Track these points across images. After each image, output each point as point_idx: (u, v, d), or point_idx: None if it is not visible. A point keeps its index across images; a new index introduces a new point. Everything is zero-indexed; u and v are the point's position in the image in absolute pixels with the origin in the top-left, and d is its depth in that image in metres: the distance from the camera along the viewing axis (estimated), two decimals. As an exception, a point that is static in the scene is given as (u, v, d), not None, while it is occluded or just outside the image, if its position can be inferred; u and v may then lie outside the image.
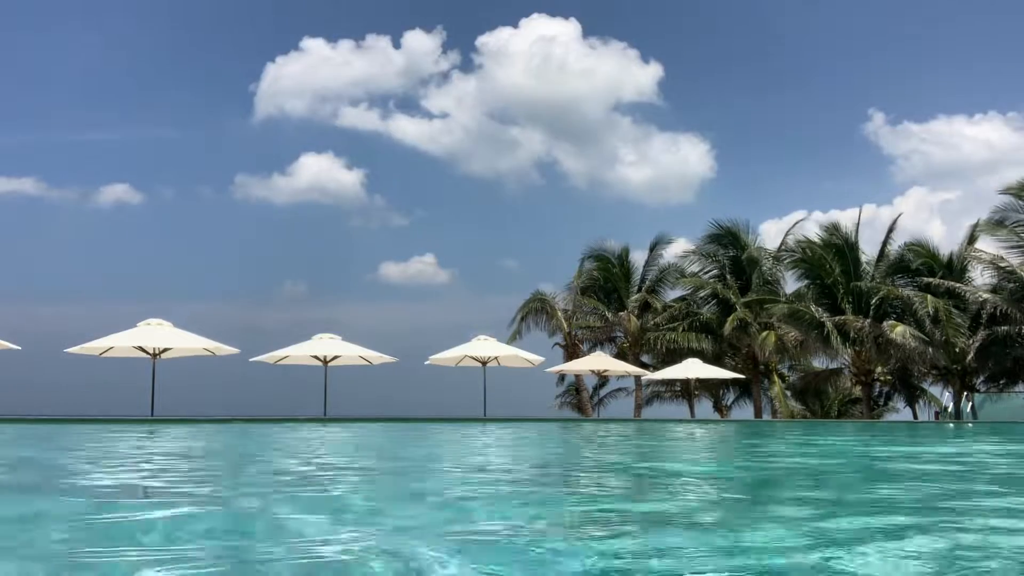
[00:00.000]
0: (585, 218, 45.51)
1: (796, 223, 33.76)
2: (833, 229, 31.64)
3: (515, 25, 41.67)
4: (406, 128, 42.01)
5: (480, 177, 44.17)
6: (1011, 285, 28.55)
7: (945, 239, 38.06)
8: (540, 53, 41.02)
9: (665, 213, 45.22)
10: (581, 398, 36.40)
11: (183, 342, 22.17)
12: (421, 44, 41.34)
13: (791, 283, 33.65)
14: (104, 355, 23.03)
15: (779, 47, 46.17)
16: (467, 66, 41.73)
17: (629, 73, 41.65)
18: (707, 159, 42.47)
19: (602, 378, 34.22)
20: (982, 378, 30.71)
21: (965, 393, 28.25)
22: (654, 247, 35.66)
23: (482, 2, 50.39)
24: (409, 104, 42.17)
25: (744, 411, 36.00)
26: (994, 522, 3.20)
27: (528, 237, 46.72)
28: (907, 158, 42.00)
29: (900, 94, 44.80)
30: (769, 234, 43.36)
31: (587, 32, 41.59)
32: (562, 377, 36.40)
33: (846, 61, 46.45)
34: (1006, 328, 27.68)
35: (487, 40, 41.56)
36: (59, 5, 41.12)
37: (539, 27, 41.25)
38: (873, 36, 45.93)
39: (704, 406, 36.76)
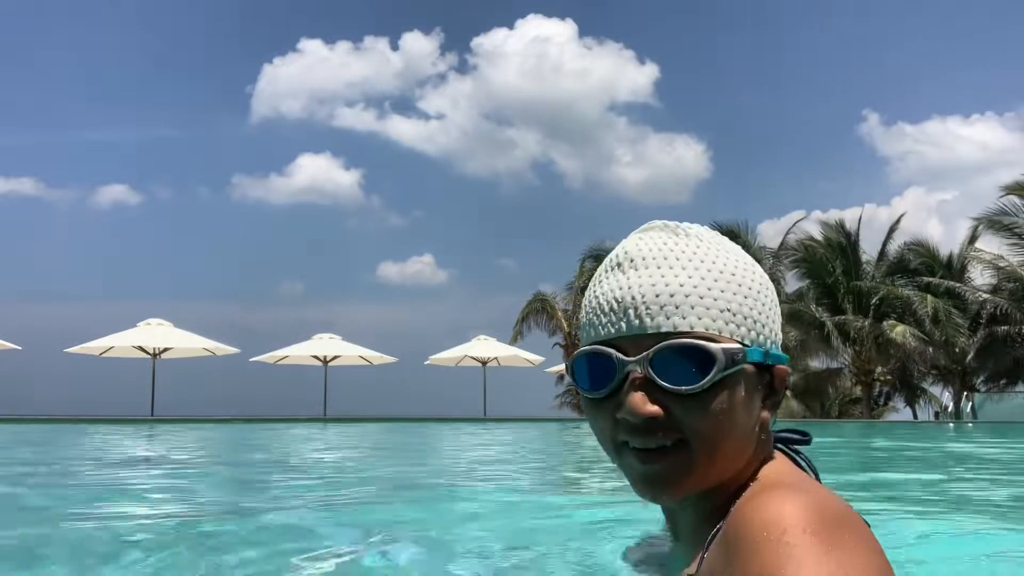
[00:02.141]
0: (582, 218, 45.64)
1: (796, 222, 33.79)
2: (834, 228, 31.63)
3: (512, 26, 41.75)
4: (403, 129, 42.08)
5: (477, 177, 44.23)
6: (1011, 285, 28.54)
7: (943, 239, 38.14)
8: (536, 54, 41.08)
9: (661, 214, 44.45)
10: (581, 398, 36.37)
11: (183, 342, 22.19)
12: (419, 46, 41.38)
13: (791, 283, 33.67)
14: (104, 355, 23.04)
15: (774, 48, 46.28)
16: (464, 67, 41.79)
17: (625, 73, 41.72)
18: (703, 160, 42.56)
19: (602, 378, 34.19)
20: (982, 378, 30.70)
21: (965, 393, 28.24)
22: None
23: (480, 3, 50.42)
24: (406, 105, 42.26)
25: (744, 411, 35.97)
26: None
27: (525, 237, 46.84)
28: (902, 159, 42.11)
29: (894, 95, 44.96)
30: (767, 235, 43.32)
31: (583, 32, 41.65)
32: (562, 377, 36.39)
33: (841, 62, 46.57)
34: (1006, 328, 27.67)
35: (484, 41, 41.61)
36: (58, 6, 41.18)
37: (535, 28, 41.30)
38: (867, 37, 46.04)
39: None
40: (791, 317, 30.32)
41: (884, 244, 31.50)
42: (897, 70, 45.39)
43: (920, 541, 2.29)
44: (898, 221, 31.69)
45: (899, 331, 27.92)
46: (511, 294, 43.24)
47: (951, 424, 22.39)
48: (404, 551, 1.99)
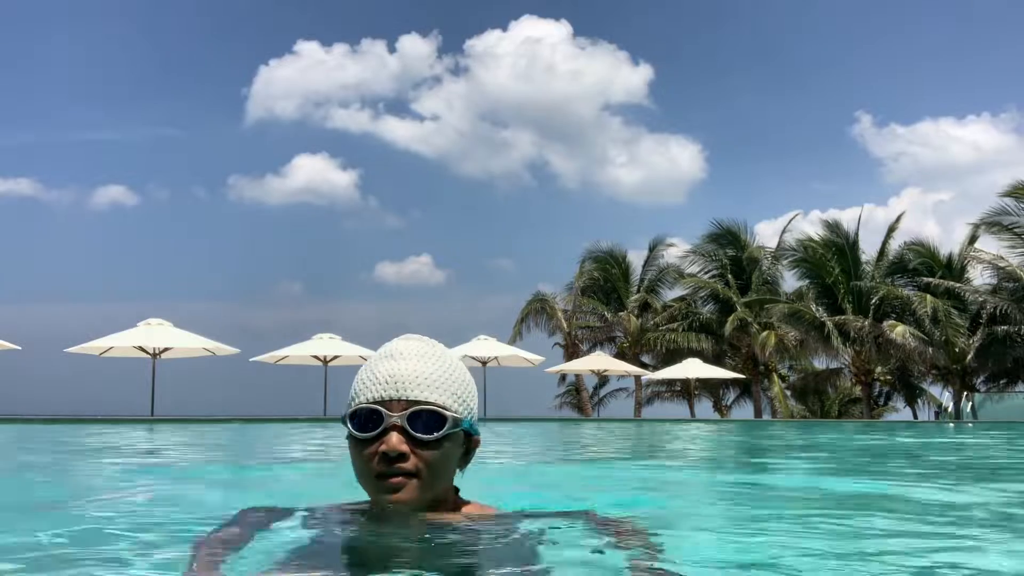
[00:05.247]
0: (578, 219, 45.65)
1: (791, 219, 33.77)
2: (833, 228, 31.63)
3: (505, 27, 41.72)
4: (400, 130, 42.06)
5: (473, 178, 44.24)
6: (1011, 285, 28.55)
7: (940, 239, 38.13)
8: (530, 55, 41.05)
9: (658, 214, 45.45)
10: (581, 398, 36.41)
11: (183, 342, 22.17)
12: (417, 48, 41.34)
13: (790, 282, 33.67)
14: (104, 355, 23.03)
15: (768, 49, 46.29)
16: (459, 68, 41.77)
17: (619, 74, 41.69)
18: (698, 160, 42.54)
19: (602, 378, 34.23)
20: (982, 378, 30.70)
21: (965, 393, 28.24)
22: (653, 247, 35.65)
23: (476, 5, 50.45)
24: (403, 106, 42.22)
25: (744, 411, 36.04)
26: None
27: (522, 237, 46.87)
28: (896, 160, 42.15)
29: (887, 97, 45.08)
30: (764, 235, 43.45)
31: (577, 33, 41.61)
32: (562, 377, 36.42)
33: (834, 63, 46.61)
34: (1006, 328, 27.68)
35: (481, 42, 41.57)
36: (56, 7, 41.17)
37: (529, 29, 41.25)
38: (861, 39, 46.08)
39: (704, 406, 36.81)
40: (791, 317, 30.32)
41: (884, 244, 31.51)
42: (889, 72, 45.51)
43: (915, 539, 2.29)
44: (897, 221, 31.70)
45: (899, 331, 27.92)
46: (509, 294, 43.27)
47: (951, 424, 22.39)
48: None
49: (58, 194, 40.58)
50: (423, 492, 1.73)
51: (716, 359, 32.05)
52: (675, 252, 35.68)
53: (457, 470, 1.85)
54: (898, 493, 4.00)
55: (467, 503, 1.90)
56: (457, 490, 1.90)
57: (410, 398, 1.74)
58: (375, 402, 1.74)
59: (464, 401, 1.81)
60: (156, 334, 21.99)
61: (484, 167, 44.55)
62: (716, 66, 47.29)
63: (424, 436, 1.72)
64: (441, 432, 1.73)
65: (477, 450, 1.88)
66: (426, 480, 1.73)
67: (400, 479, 1.71)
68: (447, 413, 1.74)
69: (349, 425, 1.76)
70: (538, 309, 35.60)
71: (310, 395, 25.05)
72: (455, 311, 43.35)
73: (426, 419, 1.73)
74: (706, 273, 34.72)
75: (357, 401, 1.78)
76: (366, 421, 1.74)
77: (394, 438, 1.70)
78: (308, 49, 41.23)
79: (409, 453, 1.71)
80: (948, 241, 39.69)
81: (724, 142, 45.49)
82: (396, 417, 1.72)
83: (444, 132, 42.37)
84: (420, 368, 1.78)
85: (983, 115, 41.65)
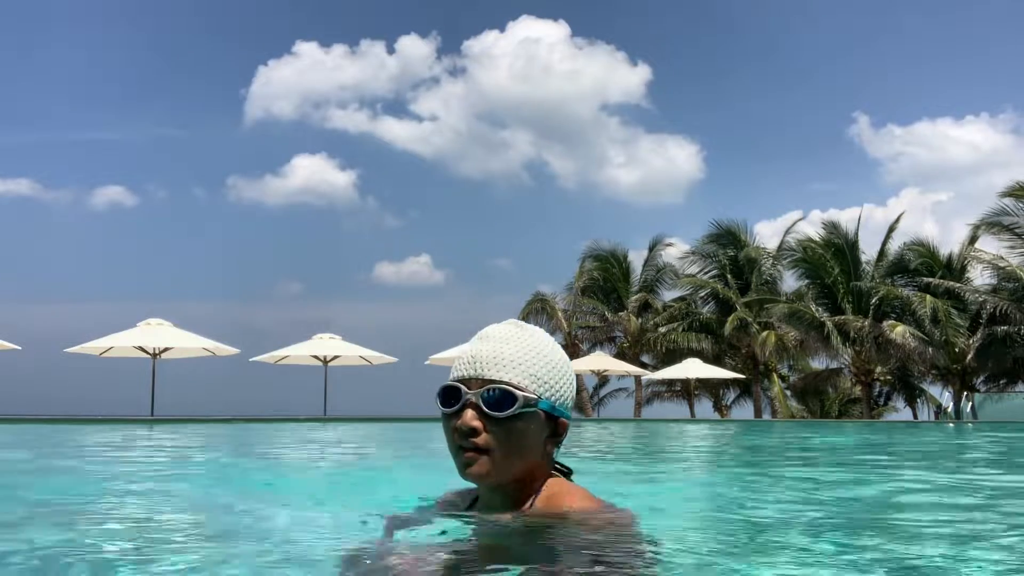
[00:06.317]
0: (577, 219, 45.63)
1: (795, 222, 33.77)
2: (833, 228, 31.62)
3: (503, 27, 41.73)
4: (398, 130, 42.06)
5: (471, 178, 44.24)
6: (1011, 285, 28.53)
7: (938, 239, 38.14)
8: (528, 55, 41.04)
9: (656, 214, 45.41)
10: (581, 398, 36.38)
11: (183, 342, 22.16)
12: (416, 49, 41.33)
13: (789, 282, 33.66)
14: (104, 355, 23.02)
15: (766, 50, 46.26)
16: (459, 69, 41.76)
17: (617, 75, 41.69)
18: (696, 161, 42.52)
19: (602, 378, 34.21)
20: (982, 378, 30.69)
21: (965, 393, 28.21)
22: (653, 247, 35.63)
23: (475, 6, 50.45)
24: (401, 107, 42.21)
25: (744, 411, 36.03)
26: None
27: (521, 237, 46.88)
28: (894, 160, 42.14)
29: (884, 98, 45.08)
30: (763, 235, 43.35)
31: (575, 34, 41.60)
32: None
33: (832, 64, 46.61)
34: (1006, 328, 27.66)
35: (479, 43, 41.57)
36: (56, 8, 41.15)
37: (528, 29, 41.24)
38: (859, 39, 46.04)
39: (704, 406, 36.80)
40: (791, 317, 30.31)
41: (883, 244, 31.49)
42: (887, 72, 45.49)
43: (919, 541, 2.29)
44: (897, 221, 31.68)
45: (899, 331, 27.90)
46: (508, 294, 43.27)
47: (951, 424, 22.38)
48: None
49: (58, 194, 40.58)
50: (496, 468, 1.82)
51: (716, 359, 32.04)
52: (675, 252, 35.69)
53: (550, 452, 1.91)
54: (897, 492, 4.01)
55: (565, 485, 1.91)
56: (551, 472, 1.94)
57: (486, 377, 1.85)
58: (457, 380, 1.88)
59: (546, 383, 1.88)
60: (156, 334, 21.99)
61: (482, 167, 44.57)
62: (714, 67, 47.33)
63: (494, 413, 1.81)
64: (511, 410, 1.81)
65: (567, 433, 1.95)
66: (498, 456, 1.82)
67: (472, 454, 1.82)
68: (519, 392, 1.82)
69: (438, 401, 1.89)
70: (538, 309, 35.58)
71: (310, 395, 25.05)
72: (454, 311, 43.31)
73: (498, 397, 1.82)
74: (706, 273, 34.72)
75: (448, 380, 1.91)
76: (449, 397, 1.87)
77: (468, 414, 1.82)
78: (307, 50, 41.27)
79: (482, 429, 1.82)
80: (947, 241, 39.72)
81: (722, 142, 45.50)
82: (472, 394, 1.84)
83: (442, 132, 42.42)
84: (500, 349, 1.88)
85: (981, 115, 41.65)
